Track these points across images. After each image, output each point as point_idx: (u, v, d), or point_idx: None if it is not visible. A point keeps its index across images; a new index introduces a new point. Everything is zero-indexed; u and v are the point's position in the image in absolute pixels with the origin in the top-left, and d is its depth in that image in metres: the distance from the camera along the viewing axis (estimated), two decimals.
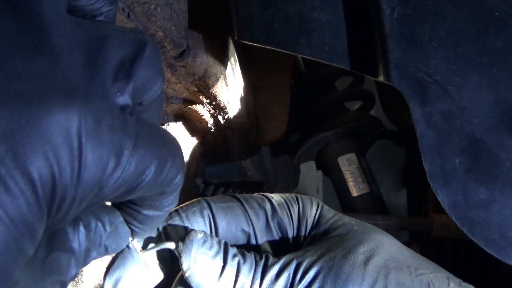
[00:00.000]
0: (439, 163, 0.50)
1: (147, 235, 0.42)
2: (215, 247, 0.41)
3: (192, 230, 0.43)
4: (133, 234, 0.39)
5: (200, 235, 0.41)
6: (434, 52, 0.50)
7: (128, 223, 0.37)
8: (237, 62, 0.84)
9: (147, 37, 0.33)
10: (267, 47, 0.58)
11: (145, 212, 0.36)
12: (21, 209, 0.25)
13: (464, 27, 0.50)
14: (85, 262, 0.35)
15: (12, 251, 0.25)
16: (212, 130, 0.82)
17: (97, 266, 0.63)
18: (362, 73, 0.55)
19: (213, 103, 0.75)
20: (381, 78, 0.53)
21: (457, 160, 0.50)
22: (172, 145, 0.34)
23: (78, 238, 0.33)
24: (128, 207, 0.36)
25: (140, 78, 0.32)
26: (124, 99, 0.30)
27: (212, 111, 0.77)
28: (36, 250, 0.29)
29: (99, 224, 0.35)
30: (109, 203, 0.38)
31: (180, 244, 0.41)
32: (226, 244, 0.43)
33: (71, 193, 0.27)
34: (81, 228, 0.34)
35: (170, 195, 0.36)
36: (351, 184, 1.07)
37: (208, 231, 0.45)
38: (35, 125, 0.25)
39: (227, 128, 0.83)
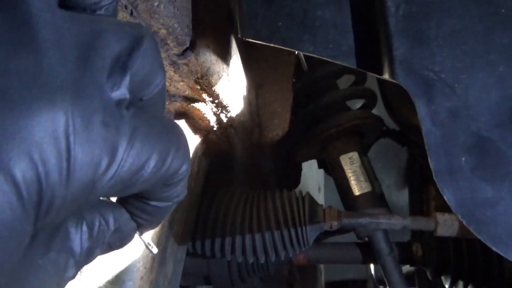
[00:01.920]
0: (445, 161, 0.50)
1: (155, 227, 0.40)
2: None
3: None
4: (141, 226, 0.38)
5: None
6: (440, 50, 0.50)
7: (135, 216, 0.36)
8: (240, 60, 0.84)
9: (145, 30, 0.32)
10: (271, 44, 0.58)
11: (154, 203, 0.35)
12: (4, 214, 0.23)
13: (471, 24, 0.50)
14: (87, 261, 0.34)
15: None
16: (215, 129, 0.81)
17: (97, 263, 0.63)
18: (367, 71, 0.55)
19: (216, 101, 0.75)
20: (386, 76, 0.52)
21: (464, 158, 0.49)
22: (175, 135, 0.33)
23: (80, 238, 0.32)
24: (136, 200, 0.36)
25: (139, 72, 0.31)
26: (120, 93, 0.29)
27: (214, 109, 0.77)
28: (29, 252, 0.28)
29: (103, 223, 0.34)
30: (114, 199, 0.37)
31: None
32: None
33: (60, 195, 0.26)
34: (84, 228, 0.33)
35: (177, 185, 0.35)
36: (353, 182, 1.07)
37: None
38: (19, 126, 0.24)
39: (229, 127, 0.83)
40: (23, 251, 0.27)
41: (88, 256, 0.33)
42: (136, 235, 0.39)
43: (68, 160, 0.26)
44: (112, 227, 0.35)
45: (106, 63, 0.29)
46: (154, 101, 0.34)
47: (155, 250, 0.43)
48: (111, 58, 0.29)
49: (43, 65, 0.26)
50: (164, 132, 0.32)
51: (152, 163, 0.30)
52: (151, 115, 0.32)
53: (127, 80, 0.30)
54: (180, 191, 0.36)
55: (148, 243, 0.42)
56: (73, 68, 0.27)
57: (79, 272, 0.34)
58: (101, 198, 0.36)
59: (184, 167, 0.33)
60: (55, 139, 0.25)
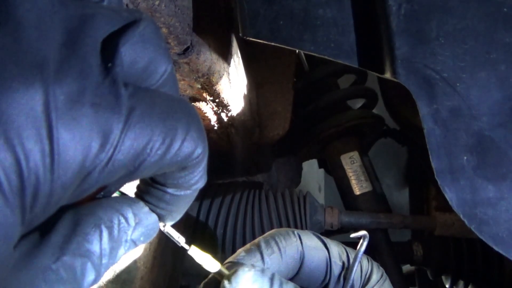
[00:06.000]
0: (447, 160, 0.50)
1: (177, 218, 0.38)
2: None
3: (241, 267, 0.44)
4: (162, 218, 0.36)
5: (249, 275, 0.43)
6: (442, 49, 0.50)
7: (155, 206, 0.35)
8: (240, 59, 0.84)
9: (144, 16, 0.30)
10: (272, 43, 0.58)
11: (171, 191, 0.33)
12: None
13: (472, 24, 0.50)
14: (111, 263, 0.32)
15: None
16: (215, 128, 0.81)
17: None
18: (368, 70, 0.55)
19: (217, 100, 0.74)
20: (387, 75, 0.52)
21: (465, 158, 0.49)
22: (185, 115, 0.30)
23: (100, 239, 0.30)
24: (153, 188, 0.34)
25: (138, 59, 0.29)
26: (114, 71, 0.27)
27: (215, 109, 0.77)
28: (38, 255, 0.27)
29: (122, 220, 0.32)
30: (132, 194, 0.36)
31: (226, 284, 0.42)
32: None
33: (46, 180, 0.24)
34: (103, 228, 0.31)
35: (194, 170, 0.32)
36: (353, 182, 1.07)
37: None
38: None
39: (230, 126, 0.83)
40: (13, 244, 0.25)
41: (111, 257, 0.31)
42: (160, 228, 0.37)
43: (51, 140, 0.24)
44: (132, 223, 0.33)
45: (97, 44, 0.27)
46: (164, 90, 0.32)
47: (182, 240, 0.41)
48: (102, 38, 0.28)
49: (22, 43, 0.24)
50: (171, 112, 0.30)
51: (155, 145, 0.28)
52: (155, 94, 0.30)
53: (120, 57, 0.28)
54: (198, 178, 0.33)
55: (174, 235, 0.40)
56: (57, 48, 0.26)
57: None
58: (115, 194, 0.35)
59: (198, 150, 0.31)
60: (33, 118, 0.23)
